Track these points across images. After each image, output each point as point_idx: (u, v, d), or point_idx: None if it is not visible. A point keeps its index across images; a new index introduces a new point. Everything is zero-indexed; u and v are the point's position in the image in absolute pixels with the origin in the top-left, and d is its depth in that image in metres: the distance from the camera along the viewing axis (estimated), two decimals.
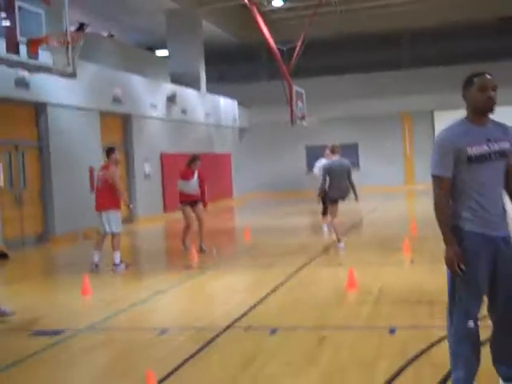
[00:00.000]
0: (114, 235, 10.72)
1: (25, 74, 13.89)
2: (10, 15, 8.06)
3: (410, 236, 11.64)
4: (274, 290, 8.24)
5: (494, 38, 30.40)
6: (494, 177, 4.04)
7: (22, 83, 14.40)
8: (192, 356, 5.56)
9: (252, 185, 30.07)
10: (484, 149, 4.00)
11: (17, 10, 8.10)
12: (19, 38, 8.12)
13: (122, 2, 23.22)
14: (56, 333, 6.62)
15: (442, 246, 4.02)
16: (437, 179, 4.04)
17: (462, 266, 3.93)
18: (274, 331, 6.21)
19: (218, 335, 6.20)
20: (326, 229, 14.13)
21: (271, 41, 23.40)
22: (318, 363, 5.19)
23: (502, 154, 4.03)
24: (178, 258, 11.88)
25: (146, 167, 20.62)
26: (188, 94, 24.11)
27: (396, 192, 27.42)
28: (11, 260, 12.92)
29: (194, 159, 12.41)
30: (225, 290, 8.79)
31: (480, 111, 4.05)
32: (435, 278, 7.71)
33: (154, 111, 21.22)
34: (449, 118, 22.68)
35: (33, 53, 8.35)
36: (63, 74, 9.23)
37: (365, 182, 24.46)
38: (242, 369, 5.18)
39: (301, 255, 11.02)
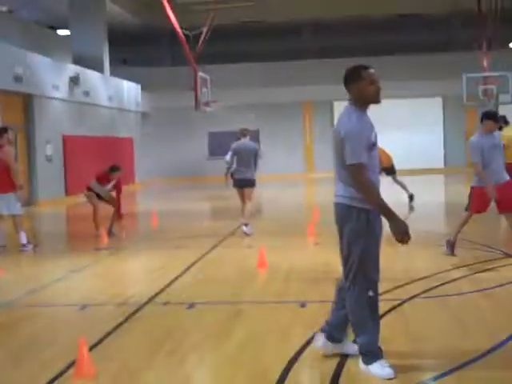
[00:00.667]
0: (15, 217, 10.58)
1: None
2: None
3: (312, 221, 12.06)
4: (186, 270, 8.49)
5: (392, 33, 31.61)
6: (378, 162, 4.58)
7: None
8: (115, 328, 5.74)
9: (154, 170, 30.00)
10: (375, 135, 4.51)
11: None
12: None
13: None
14: None
15: None
16: (360, 166, 4.35)
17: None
18: (191, 306, 6.46)
19: (137, 310, 6.40)
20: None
21: (177, 25, 23.40)
22: (235, 334, 5.48)
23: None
24: (86, 241, 11.84)
25: (48, 149, 20.25)
26: (91, 76, 23.78)
27: (297, 180, 28.11)
28: None
29: (115, 169, 12.22)
30: (138, 270, 8.98)
31: (373, 102, 4.55)
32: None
33: (56, 92, 20.82)
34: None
35: None
36: None
37: (266, 169, 24.93)
38: (163, 340, 5.40)
39: (209, 238, 11.26)
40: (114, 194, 12.31)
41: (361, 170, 4.37)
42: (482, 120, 8.44)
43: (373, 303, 4.54)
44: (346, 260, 4.57)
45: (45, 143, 20.09)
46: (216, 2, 25.33)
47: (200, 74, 24.04)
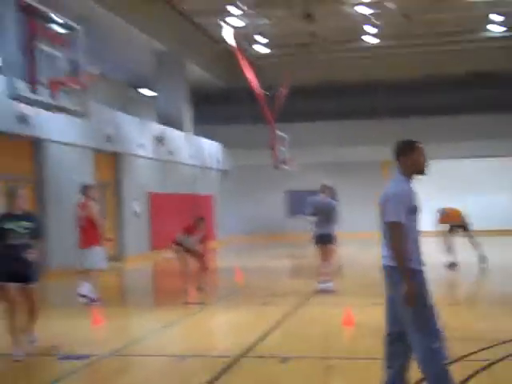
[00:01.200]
0: (95, 270, 11.04)
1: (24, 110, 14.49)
2: (31, 56, 8.59)
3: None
4: (276, 325, 8.75)
5: (462, 92, 31.59)
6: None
7: (22, 119, 14.88)
8: (214, 380, 6.03)
9: (233, 227, 30.51)
10: (417, 202, 4.96)
11: (37, 52, 8.64)
12: (40, 78, 8.64)
13: (111, 40, 23.82)
14: (80, 358, 7.04)
15: None
16: (398, 224, 4.77)
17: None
18: (284, 360, 6.71)
19: (233, 363, 6.68)
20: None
21: (256, 85, 24.24)
22: None
23: None
24: (174, 295, 12.22)
25: (135, 206, 21.04)
26: (174, 135, 24.72)
27: (372, 238, 27.98)
28: None
29: (201, 219, 12.72)
30: (229, 325, 9.29)
31: (421, 173, 5.07)
32: None
33: (142, 150, 21.74)
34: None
35: (53, 93, 8.88)
36: (78, 115, 9.78)
37: (343, 227, 25.03)
38: None
39: (294, 296, 11.50)
40: (199, 247, 12.69)
41: (399, 228, 4.74)
42: None
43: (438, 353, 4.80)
44: None
45: (132, 200, 20.90)
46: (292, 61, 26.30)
47: (278, 132, 24.73)
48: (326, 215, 11.78)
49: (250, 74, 24.04)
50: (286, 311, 9.82)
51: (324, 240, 11.80)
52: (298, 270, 17.40)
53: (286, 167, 25.16)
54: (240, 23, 23.86)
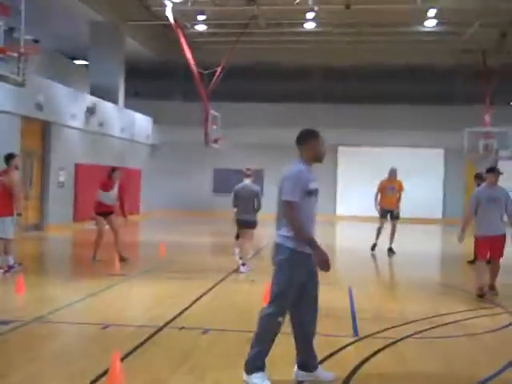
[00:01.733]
0: (8, 240, 11.07)
1: None
2: None
3: None
4: (198, 298, 9.12)
5: (398, 83, 32.50)
6: (316, 206, 5.51)
7: None
8: (136, 348, 6.35)
9: (158, 202, 30.62)
10: (315, 186, 5.45)
11: None
12: None
13: (48, 8, 23.43)
14: (4, 323, 7.22)
15: None
16: (292, 204, 5.27)
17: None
18: (206, 331, 7.07)
19: (155, 333, 7.00)
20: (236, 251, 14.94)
21: (192, 63, 24.39)
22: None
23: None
24: (98, 266, 12.42)
25: (61, 176, 20.94)
26: (106, 107, 24.61)
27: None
28: None
29: (113, 170, 13.14)
30: (152, 297, 9.56)
31: (318, 160, 5.58)
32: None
33: (73, 121, 21.60)
34: (350, 152, 24.71)
35: None
36: (15, 83, 9.81)
37: (269, 209, 25.52)
38: (182, 361, 6.02)
39: (216, 272, 11.86)
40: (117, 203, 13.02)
41: (293, 207, 5.22)
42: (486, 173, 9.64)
43: (277, 327, 5.40)
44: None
45: (58, 170, 20.79)
46: (230, 42, 26.47)
47: (211, 111, 24.97)
48: (248, 202, 11.99)
49: (187, 52, 24.19)
50: (208, 286, 10.18)
51: (247, 225, 12.14)
52: (221, 247, 17.78)
53: (216, 145, 25.43)
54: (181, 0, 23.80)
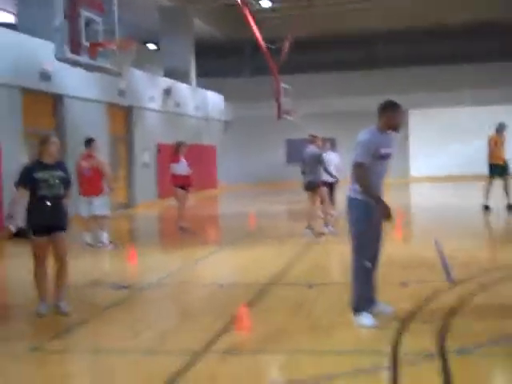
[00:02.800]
0: (104, 217, 11.93)
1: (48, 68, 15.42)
2: (75, 22, 9.48)
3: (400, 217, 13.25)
4: (297, 258, 9.87)
5: (460, 42, 32.25)
6: (386, 169, 6.18)
7: (44, 77, 15.78)
8: (250, 304, 7.08)
9: (235, 176, 31.50)
10: (388, 151, 6.09)
11: (82, 18, 9.52)
12: (83, 42, 9.55)
13: None
14: (125, 287, 8.14)
15: None
16: (362, 165, 5.93)
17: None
18: (310, 286, 7.80)
19: (265, 289, 7.78)
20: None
21: (260, 39, 24.94)
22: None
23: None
24: (191, 237, 13.18)
25: (145, 156, 22.00)
26: (181, 88, 25.54)
27: None
28: None
29: (179, 145, 14.12)
30: (252, 259, 10.33)
31: (395, 128, 6.18)
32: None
33: (151, 104, 22.59)
34: (422, 115, 24.95)
35: (92, 55, 9.78)
36: (114, 74, 10.71)
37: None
38: (297, 309, 6.77)
39: (302, 236, 12.57)
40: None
41: (362, 168, 5.92)
42: None
43: (367, 271, 6.07)
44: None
45: (142, 151, 21.84)
46: (293, 16, 26.92)
47: (282, 84, 25.54)
48: (311, 165, 12.64)
49: (255, 28, 24.75)
50: (302, 247, 10.93)
51: (311, 187, 12.73)
52: (301, 214, 18.45)
53: (289, 117, 26.03)
54: None
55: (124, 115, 21.22)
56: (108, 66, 10.22)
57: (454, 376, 4.59)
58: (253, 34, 24.76)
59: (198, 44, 28.53)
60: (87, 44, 9.65)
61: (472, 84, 29.99)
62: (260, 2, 28.26)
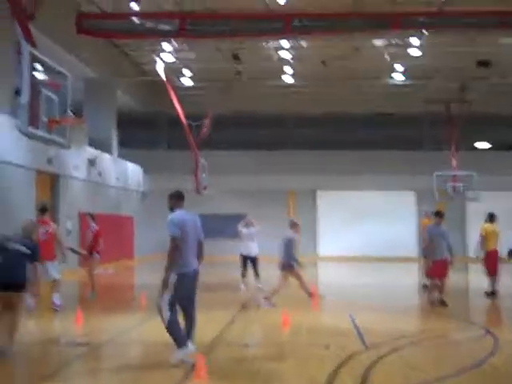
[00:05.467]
0: (56, 281, 12.87)
1: None
2: (36, 99, 10.48)
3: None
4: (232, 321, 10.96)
5: (366, 130, 34.86)
6: None
7: None
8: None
9: (151, 246, 32.20)
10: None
11: (42, 96, 10.55)
12: (42, 117, 10.53)
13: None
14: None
15: None
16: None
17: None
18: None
19: (207, 350, 8.79)
20: (243, 287, 16.77)
21: (182, 115, 26.25)
22: (284, 362, 7.92)
23: None
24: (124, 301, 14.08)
25: (68, 224, 22.57)
26: (104, 158, 26.43)
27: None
28: None
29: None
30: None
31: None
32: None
33: (77, 172, 23.34)
34: (329, 196, 27.06)
35: (49, 129, 10.78)
36: (63, 146, 11.69)
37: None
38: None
39: (231, 304, 13.66)
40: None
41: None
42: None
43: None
44: None
45: (66, 219, 22.43)
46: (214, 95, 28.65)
47: (201, 160, 26.87)
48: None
49: (177, 105, 26.10)
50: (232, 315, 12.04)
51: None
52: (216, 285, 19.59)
53: (205, 192, 27.29)
54: (171, 58, 25.95)
55: (50, 182, 21.83)
56: (61, 139, 11.17)
57: None
58: (174, 108, 26.01)
59: (119, 115, 29.65)
60: (45, 120, 10.62)
61: (373, 169, 32.46)
62: (181, 80, 29.80)
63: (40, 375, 7.36)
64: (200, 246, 8.07)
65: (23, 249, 8.35)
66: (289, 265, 13.54)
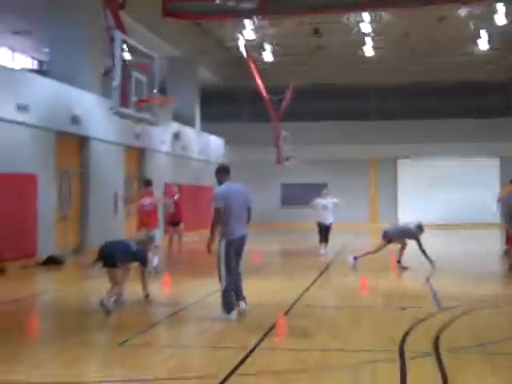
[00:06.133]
0: (157, 247, 13.81)
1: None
2: (127, 81, 11.26)
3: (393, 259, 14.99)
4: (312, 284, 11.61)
5: (449, 99, 34.50)
6: None
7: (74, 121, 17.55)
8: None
9: None
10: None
11: (133, 78, 11.32)
12: (133, 98, 11.32)
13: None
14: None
15: None
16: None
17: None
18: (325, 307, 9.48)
19: (289, 309, 9.43)
20: (322, 252, 17.43)
21: (263, 90, 26.84)
22: (361, 323, 8.47)
23: None
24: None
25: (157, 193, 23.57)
26: (187, 132, 27.36)
27: (361, 229, 30.85)
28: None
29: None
30: (272, 288, 11.96)
31: None
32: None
33: (162, 146, 24.33)
34: (410, 165, 27.41)
35: (139, 109, 11.56)
36: (153, 124, 12.48)
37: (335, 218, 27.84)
38: (317, 327, 8.41)
39: (311, 269, 14.29)
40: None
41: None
42: None
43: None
44: None
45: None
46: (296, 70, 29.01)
47: (282, 131, 27.41)
48: None
49: (257, 78, 26.66)
50: (313, 278, 12.65)
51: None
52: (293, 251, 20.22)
53: (287, 163, 27.84)
54: (252, 35, 26.42)
55: (137, 156, 22.88)
56: (149, 117, 11.94)
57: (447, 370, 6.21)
58: (255, 83, 26.62)
59: (202, 91, 30.47)
60: (135, 100, 11.40)
61: (457, 138, 32.19)
62: (263, 54, 30.28)
63: (136, 328, 8.14)
64: (248, 212, 8.96)
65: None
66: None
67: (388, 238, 14.06)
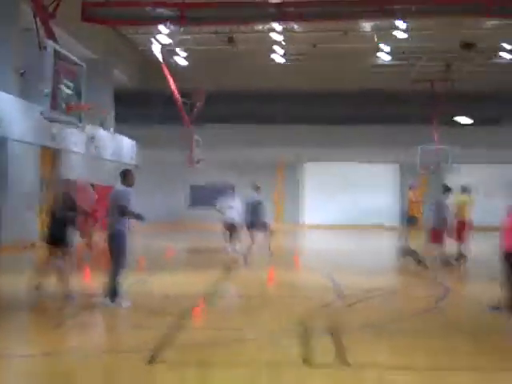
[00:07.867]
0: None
1: None
2: (56, 89, 12.05)
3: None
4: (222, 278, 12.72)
5: (354, 106, 36.28)
6: None
7: None
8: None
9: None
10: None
11: (62, 86, 12.12)
12: (62, 104, 12.11)
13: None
14: None
15: None
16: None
17: None
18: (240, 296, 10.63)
19: (202, 299, 10.50)
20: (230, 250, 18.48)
21: (177, 94, 27.69)
22: (268, 308, 9.66)
23: None
24: None
25: None
26: (102, 134, 27.91)
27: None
28: None
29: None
30: (183, 281, 12.99)
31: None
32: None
33: (76, 147, 24.81)
34: (316, 168, 29.11)
35: (68, 113, 12.38)
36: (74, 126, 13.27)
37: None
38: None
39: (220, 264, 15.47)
40: None
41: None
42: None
43: None
44: None
45: None
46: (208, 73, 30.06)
47: (194, 135, 28.43)
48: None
49: (171, 82, 27.48)
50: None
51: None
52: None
53: (198, 165, 28.91)
54: (167, 40, 27.24)
55: (52, 157, 23.29)
56: (74, 120, 12.77)
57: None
58: (168, 87, 27.40)
59: (116, 93, 31.02)
60: (64, 106, 12.21)
61: (359, 143, 34.14)
62: (176, 59, 31.19)
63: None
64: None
65: None
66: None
67: None
